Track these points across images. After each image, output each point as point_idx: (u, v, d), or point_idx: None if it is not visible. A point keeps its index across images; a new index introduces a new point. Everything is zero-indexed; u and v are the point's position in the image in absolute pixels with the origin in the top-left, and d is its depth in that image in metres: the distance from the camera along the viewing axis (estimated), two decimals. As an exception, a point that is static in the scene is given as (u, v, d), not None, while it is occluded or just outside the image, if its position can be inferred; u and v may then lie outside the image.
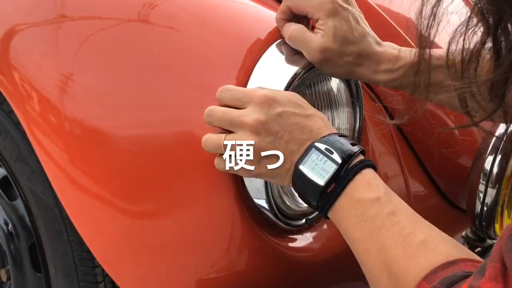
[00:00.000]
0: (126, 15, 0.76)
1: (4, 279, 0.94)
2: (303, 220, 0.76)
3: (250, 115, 0.61)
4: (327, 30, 0.67)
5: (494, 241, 0.95)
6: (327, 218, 0.61)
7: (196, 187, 0.68)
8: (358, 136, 0.80)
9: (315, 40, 0.67)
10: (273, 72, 0.69)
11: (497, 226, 0.88)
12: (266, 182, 0.69)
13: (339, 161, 0.59)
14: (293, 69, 0.69)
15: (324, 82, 0.74)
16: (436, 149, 0.94)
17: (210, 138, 0.64)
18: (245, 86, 0.68)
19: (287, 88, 0.68)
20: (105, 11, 0.77)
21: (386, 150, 0.88)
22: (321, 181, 0.59)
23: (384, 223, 0.55)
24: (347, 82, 0.77)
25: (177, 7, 0.76)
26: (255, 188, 0.69)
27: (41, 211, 0.83)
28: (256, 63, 0.70)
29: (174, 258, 0.70)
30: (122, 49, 0.73)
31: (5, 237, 0.91)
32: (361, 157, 0.61)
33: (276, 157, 0.61)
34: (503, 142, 0.86)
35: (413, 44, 0.91)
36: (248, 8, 0.80)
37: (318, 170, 0.59)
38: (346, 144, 0.60)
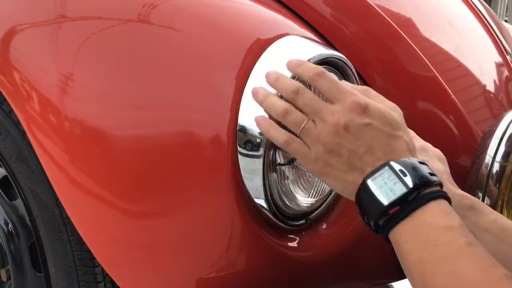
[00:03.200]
0: (126, 15, 0.76)
1: (4, 278, 0.94)
2: (303, 220, 0.76)
3: (337, 114, 0.59)
4: None
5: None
6: (388, 240, 0.57)
7: (196, 187, 0.68)
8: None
9: None
10: (273, 72, 0.69)
11: (496, 226, 0.88)
12: (265, 182, 0.69)
13: (410, 185, 0.55)
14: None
15: (324, 82, 0.74)
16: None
17: (293, 112, 0.61)
18: (245, 86, 0.68)
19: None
20: (105, 11, 0.77)
21: (385, 150, 0.88)
22: (385, 201, 0.56)
23: (462, 250, 0.53)
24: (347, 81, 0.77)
25: (177, 7, 0.76)
26: (255, 188, 0.69)
27: (41, 211, 0.83)
28: (256, 63, 0.70)
29: (174, 258, 0.70)
30: (122, 49, 0.73)
31: (5, 237, 0.92)
32: (437, 187, 0.57)
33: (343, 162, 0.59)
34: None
35: (412, 44, 0.91)
36: (247, 8, 0.80)
37: (386, 189, 0.56)
38: (424, 171, 0.57)
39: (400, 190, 0.55)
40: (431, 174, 0.57)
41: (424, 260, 0.54)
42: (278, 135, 0.63)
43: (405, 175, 0.56)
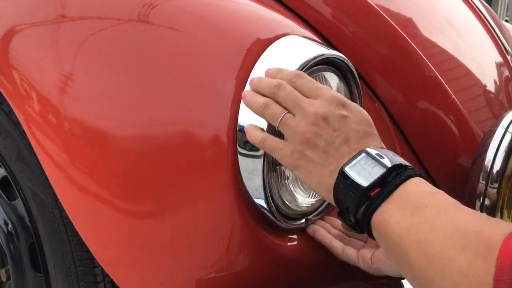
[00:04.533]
0: (126, 15, 0.76)
1: (4, 279, 0.94)
2: (303, 220, 0.76)
3: (316, 106, 0.60)
4: None
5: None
6: (370, 234, 0.56)
7: (196, 187, 0.68)
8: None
9: None
10: (273, 72, 0.69)
11: (497, 226, 0.88)
12: (264, 182, 0.69)
13: (389, 165, 0.55)
14: (292, 69, 0.69)
15: (324, 82, 0.74)
16: (436, 149, 0.94)
17: (272, 105, 0.62)
18: (244, 86, 0.68)
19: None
20: (105, 11, 0.77)
21: (386, 150, 0.88)
22: (364, 183, 0.55)
23: (454, 205, 0.51)
24: (347, 82, 0.77)
25: (177, 7, 0.76)
26: (254, 188, 0.69)
27: (40, 211, 0.83)
28: (255, 63, 0.70)
29: (174, 258, 0.70)
30: (122, 49, 0.73)
31: (5, 237, 0.91)
32: (414, 170, 0.57)
33: (320, 156, 0.59)
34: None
35: (412, 44, 0.91)
36: (248, 8, 0.80)
37: (364, 173, 0.55)
38: (399, 158, 0.57)
39: (378, 171, 0.55)
40: (405, 164, 0.57)
41: (416, 223, 0.51)
42: (255, 134, 0.64)
43: (382, 157, 0.56)
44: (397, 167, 0.55)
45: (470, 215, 0.50)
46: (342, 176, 0.57)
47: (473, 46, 1.11)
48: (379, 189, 0.54)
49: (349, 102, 0.63)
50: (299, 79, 0.64)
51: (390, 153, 0.58)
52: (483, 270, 0.43)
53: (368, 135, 0.61)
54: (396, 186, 0.54)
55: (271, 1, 0.90)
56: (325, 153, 0.59)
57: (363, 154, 0.57)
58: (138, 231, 0.70)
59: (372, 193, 0.54)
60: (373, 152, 0.57)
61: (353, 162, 0.57)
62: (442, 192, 0.54)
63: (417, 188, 0.54)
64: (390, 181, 0.54)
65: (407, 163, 0.57)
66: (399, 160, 0.57)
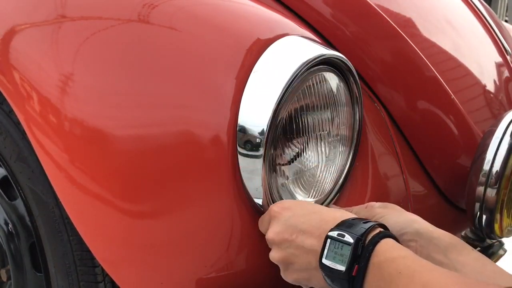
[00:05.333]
0: (126, 15, 0.76)
1: (4, 278, 0.94)
2: (303, 220, 0.76)
3: (270, 230, 0.67)
4: None
5: (494, 241, 0.95)
6: None
7: (196, 187, 0.68)
8: (357, 136, 0.81)
9: None
10: (272, 72, 0.70)
11: (496, 226, 0.88)
12: (264, 182, 0.69)
13: (351, 241, 0.60)
14: (292, 69, 0.69)
15: (324, 82, 0.75)
16: (436, 149, 0.94)
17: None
18: (244, 86, 0.69)
19: (286, 88, 0.68)
20: (105, 11, 0.77)
21: (385, 150, 0.88)
22: (342, 267, 0.60)
23: (425, 267, 0.55)
24: (346, 82, 0.78)
25: (177, 7, 0.76)
26: (255, 188, 0.69)
27: (41, 211, 0.83)
28: (255, 63, 0.70)
29: (174, 258, 0.70)
30: (122, 49, 0.73)
31: (5, 237, 0.92)
32: (377, 230, 0.62)
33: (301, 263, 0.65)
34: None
35: (412, 44, 0.91)
36: (248, 8, 0.80)
37: (338, 257, 0.60)
38: (357, 223, 0.62)
39: (347, 250, 0.60)
40: (366, 222, 0.63)
41: None
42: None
43: (343, 236, 0.61)
44: (359, 239, 0.60)
45: (443, 279, 0.53)
46: (323, 268, 0.62)
47: (473, 46, 1.11)
48: (356, 266, 0.59)
49: (287, 201, 0.70)
50: (260, 227, 0.71)
51: (350, 223, 0.63)
52: None
53: (319, 213, 0.66)
54: (368, 259, 0.59)
55: (271, 1, 0.90)
56: (299, 256, 0.65)
57: (329, 240, 0.62)
58: (138, 231, 0.70)
59: (353, 272, 0.59)
60: (335, 233, 0.62)
61: (325, 252, 0.62)
62: (410, 254, 0.58)
63: (386, 255, 0.58)
64: (361, 254, 0.60)
65: (366, 225, 0.62)
66: (358, 227, 0.62)
